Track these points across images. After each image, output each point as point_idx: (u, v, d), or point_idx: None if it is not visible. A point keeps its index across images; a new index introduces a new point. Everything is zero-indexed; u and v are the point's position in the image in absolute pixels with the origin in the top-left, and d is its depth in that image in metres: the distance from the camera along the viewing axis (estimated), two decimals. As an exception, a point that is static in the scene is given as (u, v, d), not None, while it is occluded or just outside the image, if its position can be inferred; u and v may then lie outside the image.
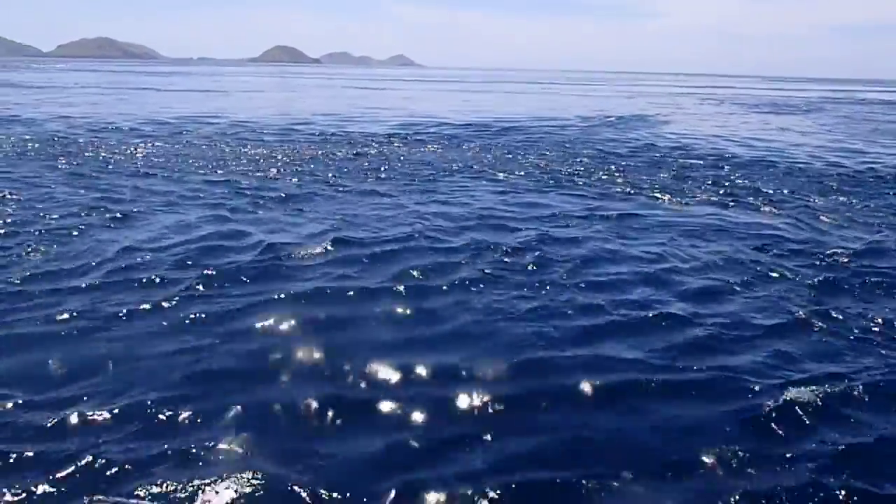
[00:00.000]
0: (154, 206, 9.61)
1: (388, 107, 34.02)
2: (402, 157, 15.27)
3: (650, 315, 5.77)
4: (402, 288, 6.18)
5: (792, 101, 51.55)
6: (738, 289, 6.56)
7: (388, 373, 4.63)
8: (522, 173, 13.41)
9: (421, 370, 4.66)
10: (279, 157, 14.78)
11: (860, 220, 9.97)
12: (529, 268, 6.99)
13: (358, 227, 8.56)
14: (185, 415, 4.04)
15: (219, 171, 12.72)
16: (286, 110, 29.52)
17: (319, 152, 15.68)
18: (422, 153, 16.20)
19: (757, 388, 4.55)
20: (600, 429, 4.08)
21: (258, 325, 5.36)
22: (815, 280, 6.84)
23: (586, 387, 4.48)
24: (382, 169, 13.54)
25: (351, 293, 6.05)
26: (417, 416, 4.13)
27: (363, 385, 4.53)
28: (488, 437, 3.92)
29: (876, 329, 5.67)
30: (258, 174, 12.55)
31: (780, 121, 31.33)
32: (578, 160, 15.62)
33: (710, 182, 13.10)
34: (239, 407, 4.12)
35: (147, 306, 5.63)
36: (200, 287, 6.12)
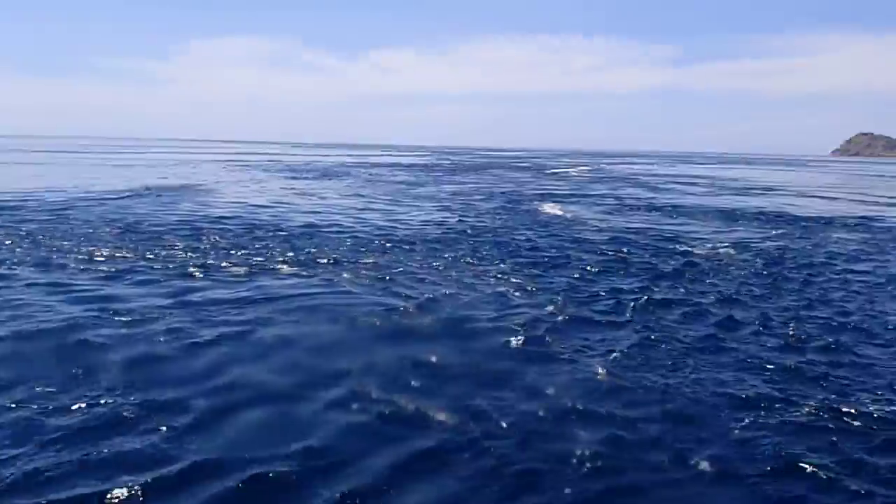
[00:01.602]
0: None
1: None
2: None
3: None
4: None
5: (317, 166, 55.26)
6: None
7: None
8: (63, 260, 10.84)
9: None
10: None
11: (433, 277, 10.57)
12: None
13: None
14: None
15: None
16: None
17: None
18: None
19: None
20: None
21: None
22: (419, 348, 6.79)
23: None
24: None
25: None
26: None
27: None
28: None
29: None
30: None
31: (310, 185, 32.91)
32: (109, 239, 13.45)
33: (278, 250, 12.64)
34: None
35: None
36: None
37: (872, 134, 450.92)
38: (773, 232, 18.02)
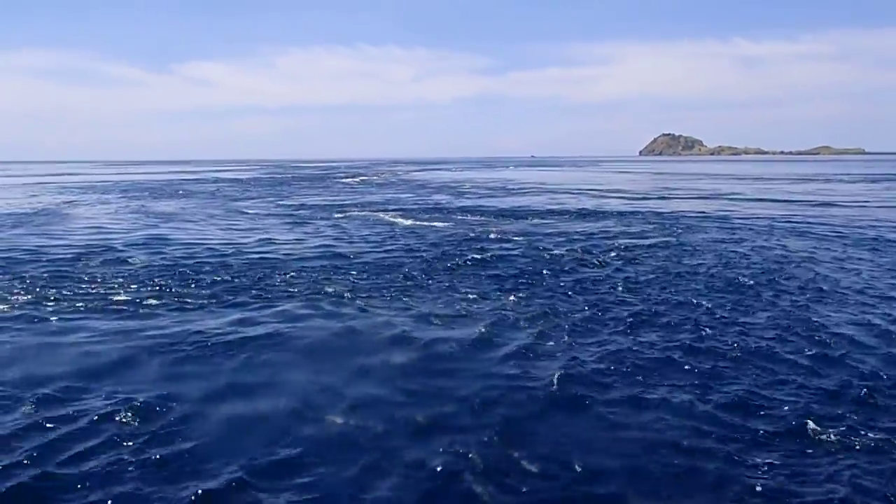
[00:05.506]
0: None
1: None
2: None
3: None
4: None
5: (146, 186, 52.03)
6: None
7: None
8: None
9: None
10: None
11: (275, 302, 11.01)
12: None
13: None
14: None
15: None
16: None
17: None
18: None
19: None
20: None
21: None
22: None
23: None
24: None
25: None
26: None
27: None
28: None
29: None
30: None
31: (158, 207, 31.90)
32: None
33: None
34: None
35: None
36: None
37: (673, 134, 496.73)
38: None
